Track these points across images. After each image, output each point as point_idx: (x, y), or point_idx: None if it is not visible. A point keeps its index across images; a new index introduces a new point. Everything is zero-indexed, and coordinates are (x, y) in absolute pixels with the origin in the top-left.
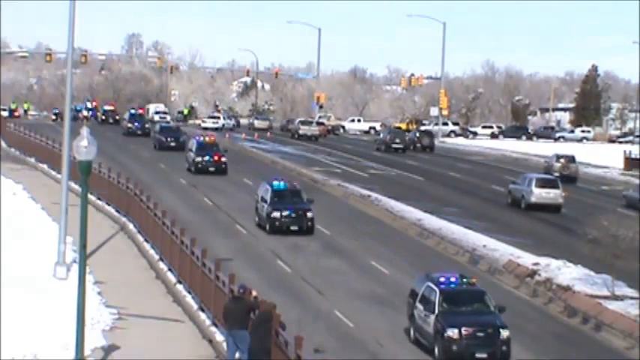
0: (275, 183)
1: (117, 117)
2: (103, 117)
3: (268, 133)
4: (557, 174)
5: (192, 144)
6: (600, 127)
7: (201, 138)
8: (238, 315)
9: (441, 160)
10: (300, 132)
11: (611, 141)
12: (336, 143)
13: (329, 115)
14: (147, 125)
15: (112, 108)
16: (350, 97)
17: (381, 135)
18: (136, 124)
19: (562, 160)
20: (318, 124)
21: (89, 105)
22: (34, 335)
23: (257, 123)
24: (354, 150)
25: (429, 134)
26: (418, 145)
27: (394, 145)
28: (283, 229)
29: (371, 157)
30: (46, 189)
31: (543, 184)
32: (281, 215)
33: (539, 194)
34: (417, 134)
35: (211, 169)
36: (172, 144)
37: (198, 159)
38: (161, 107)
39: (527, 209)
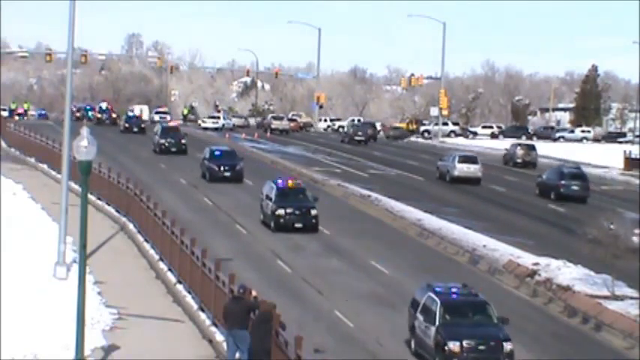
0: (440, 289)
1: (142, 125)
2: (126, 125)
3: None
4: (519, 160)
5: (271, 190)
6: (600, 127)
7: (283, 182)
8: (238, 315)
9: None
10: (273, 126)
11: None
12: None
13: (301, 113)
14: (183, 141)
15: (136, 114)
16: (350, 97)
17: (346, 129)
18: (170, 139)
19: (521, 149)
20: (290, 120)
21: (103, 106)
22: (34, 335)
23: (234, 120)
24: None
25: (373, 126)
26: (359, 136)
27: (357, 138)
28: None
29: (370, 157)
30: (46, 189)
31: (464, 160)
32: (461, 346)
33: (461, 169)
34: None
35: (298, 225)
36: (227, 173)
37: (280, 211)
38: (146, 109)
39: (451, 182)
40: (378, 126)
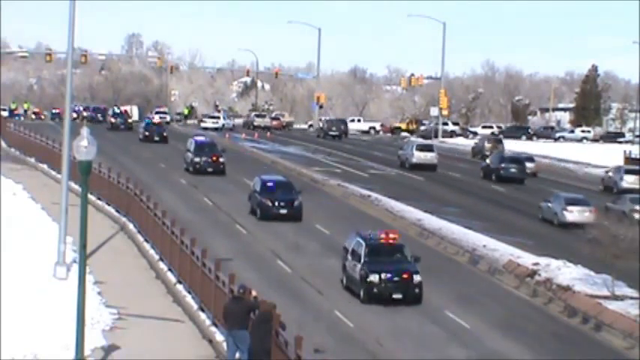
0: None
1: (164, 134)
2: (146, 133)
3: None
4: (488, 153)
5: (359, 246)
6: (600, 127)
7: (374, 236)
8: (238, 315)
9: (441, 159)
10: (255, 123)
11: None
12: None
13: (284, 113)
14: (222, 159)
15: (157, 121)
16: (350, 97)
17: (321, 124)
18: (205, 157)
19: (489, 142)
20: (273, 118)
21: (117, 109)
22: (34, 335)
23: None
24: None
25: (344, 122)
26: (332, 132)
27: (331, 133)
28: None
29: (370, 157)
30: (46, 189)
31: (421, 148)
32: None
33: (419, 156)
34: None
35: (397, 295)
36: (283, 211)
37: (374, 278)
38: (135, 110)
39: (411, 168)
40: (378, 126)
